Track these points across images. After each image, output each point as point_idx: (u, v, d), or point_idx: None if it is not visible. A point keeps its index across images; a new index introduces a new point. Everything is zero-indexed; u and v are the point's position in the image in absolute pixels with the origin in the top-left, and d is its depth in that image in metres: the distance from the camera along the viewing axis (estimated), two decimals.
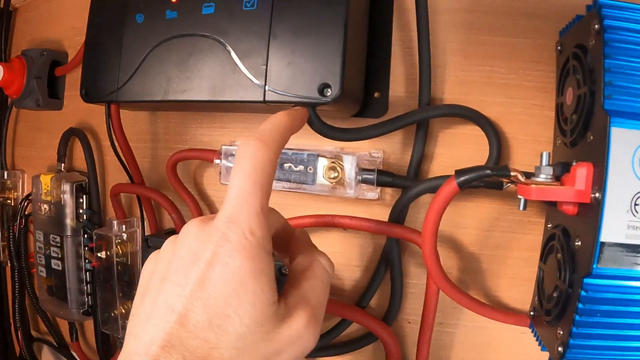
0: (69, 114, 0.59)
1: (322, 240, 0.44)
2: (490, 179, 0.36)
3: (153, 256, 0.28)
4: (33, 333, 0.67)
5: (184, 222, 0.47)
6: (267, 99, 0.34)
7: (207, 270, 0.24)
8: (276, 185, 0.40)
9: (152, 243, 0.46)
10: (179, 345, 0.23)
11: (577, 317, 0.27)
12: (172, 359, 0.22)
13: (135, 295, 0.27)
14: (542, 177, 0.30)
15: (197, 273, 0.24)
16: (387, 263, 0.42)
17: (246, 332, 0.23)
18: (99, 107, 0.46)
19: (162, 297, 0.24)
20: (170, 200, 0.47)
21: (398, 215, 0.39)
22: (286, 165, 0.40)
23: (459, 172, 0.30)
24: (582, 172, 0.28)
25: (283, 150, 0.40)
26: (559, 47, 0.35)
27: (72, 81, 0.59)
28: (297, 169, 0.39)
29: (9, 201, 0.66)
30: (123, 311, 0.52)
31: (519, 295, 0.39)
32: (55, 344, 0.63)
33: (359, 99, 0.39)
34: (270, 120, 0.28)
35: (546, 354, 0.31)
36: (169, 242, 0.27)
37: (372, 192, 0.39)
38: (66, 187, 0.54)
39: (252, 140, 0.26)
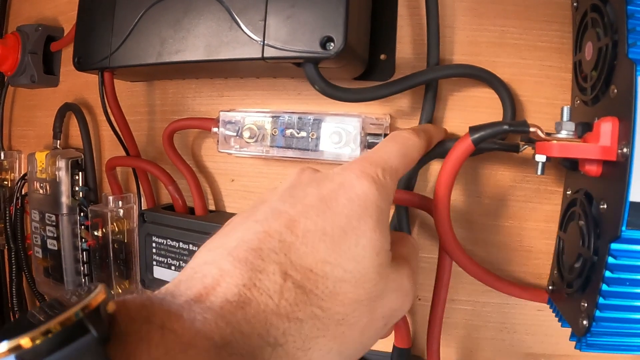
0: (65, 91, 0.58)
1: None
2: (506, 138, 0.35)
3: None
4: None
5: (181, 195, 0.46)
6: (265, 55, 0.32)
7: (329, 189, 0.22)
8: (277, 152, 0.38)
9: (148, 218, 0.44)
10: (279, 251, 0.19)
11: (604, 287, 0.25)
12: (265, 265, 0.18)
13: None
14: (563, 134, 0.28)
15: (318, 190, 0.21)
16: None
17: (362, 254, 0.20)
18: (95, 82, 0.44)
19: (265, 205, 0.21)
20: (167, 172, 0.45)
21: (406, 183, 0.37)
22: (287, 132, 0.38)
23: (474, 129, 0.28)
24: (606, 127, 0.26)
25: (285, 115, 0.39)
26: (575, 4, 0.34)
27: (68, 57, 0.57)
28: (300, 135, 0.37)
29: (5, 182, 0.64)
30: (120, 291, 0.50)
31: (535, 270, 0.37)
32: None
33: (363, 58, 0.37)
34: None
35: (566, 331, 0.29)
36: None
37: None
38: (61, 163, 0.52)
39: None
